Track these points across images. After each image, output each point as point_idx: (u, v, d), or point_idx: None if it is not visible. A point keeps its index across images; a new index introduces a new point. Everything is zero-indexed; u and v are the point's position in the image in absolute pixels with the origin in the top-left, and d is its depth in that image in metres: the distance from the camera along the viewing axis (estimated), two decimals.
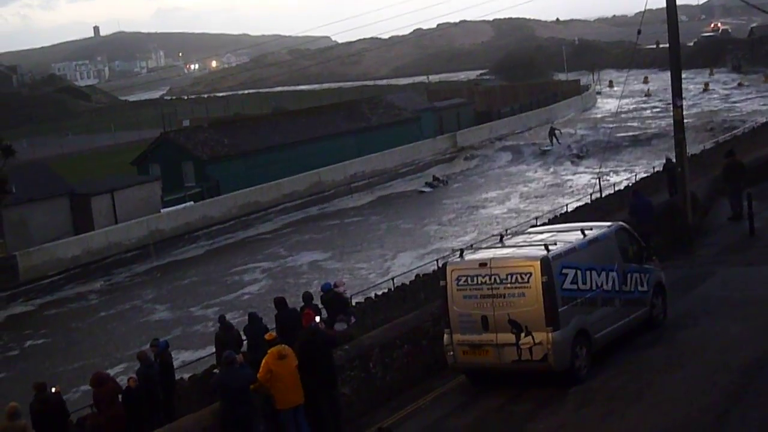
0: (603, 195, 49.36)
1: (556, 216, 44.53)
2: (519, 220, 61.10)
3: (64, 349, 53.27)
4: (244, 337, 27.49)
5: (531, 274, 22.70)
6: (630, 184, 50.89)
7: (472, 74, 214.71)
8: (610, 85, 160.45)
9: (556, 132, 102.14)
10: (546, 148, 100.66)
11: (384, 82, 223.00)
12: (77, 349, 52.50)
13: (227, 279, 63.93)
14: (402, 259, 62.09)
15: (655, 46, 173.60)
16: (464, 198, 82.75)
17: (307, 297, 27.93)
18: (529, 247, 24.17)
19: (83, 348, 52.50)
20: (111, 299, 63.01)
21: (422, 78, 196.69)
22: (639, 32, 37.09)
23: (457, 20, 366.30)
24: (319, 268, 63.20)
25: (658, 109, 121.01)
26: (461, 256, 24.47)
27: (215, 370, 26.53)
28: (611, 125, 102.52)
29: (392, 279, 37.21)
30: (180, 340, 47.17)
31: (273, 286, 59.37)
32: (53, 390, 23.75)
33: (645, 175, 56.95)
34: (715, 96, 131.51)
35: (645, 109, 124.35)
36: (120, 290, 65.26)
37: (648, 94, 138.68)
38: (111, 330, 55.81)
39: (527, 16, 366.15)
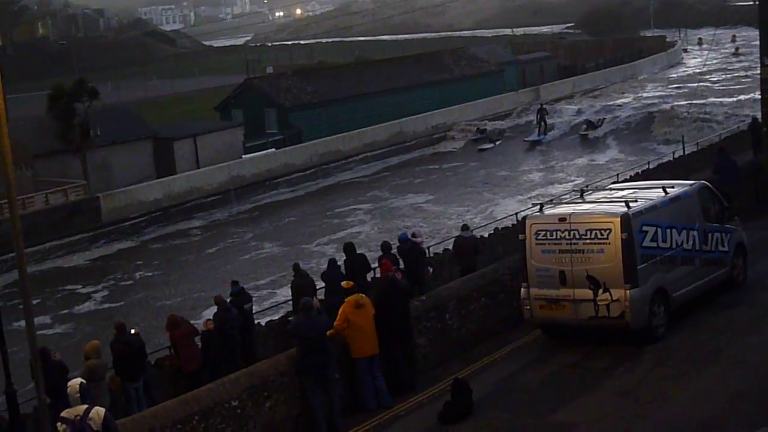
0: (686, 153, 48.78)
1: (637, 173, 44.12)
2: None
3: (174, 282, 54.69)
4: (322, 283, 27.65)
5: (611, 230, 22.55)
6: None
7: (557, 28, 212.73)
8: (699, 42, 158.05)
9: (545, 114, 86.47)
10: (533, 138, 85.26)
11: (468, 33, 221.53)
12: (189, 282, 53.96)
13: (329, 220, 64.84)
14: (506, 204, 61.92)
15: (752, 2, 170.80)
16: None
17: (386, 247, 27.98)
18: (610, 204, 23.99)
19: (195, 280, 53.84)
20: (213, 236, 64.28)
21: (506, 31, 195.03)
22: None
23: None
24: (422, 210, 64.09)
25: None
26: (541, 210, 24.38)
27: (290, 318, 26.76)
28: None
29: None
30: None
31: (381, 226, 60.35)
32: (132, 331, 24.13)
33: (729, 134, 56.15)
34: None
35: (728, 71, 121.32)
36: (220, 227, 66.60)
37: (737, 54, 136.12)
38: (218, 265, 56.91)
39: None
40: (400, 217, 63.05)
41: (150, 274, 57.48)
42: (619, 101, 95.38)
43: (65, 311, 51.38)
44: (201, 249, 61.27)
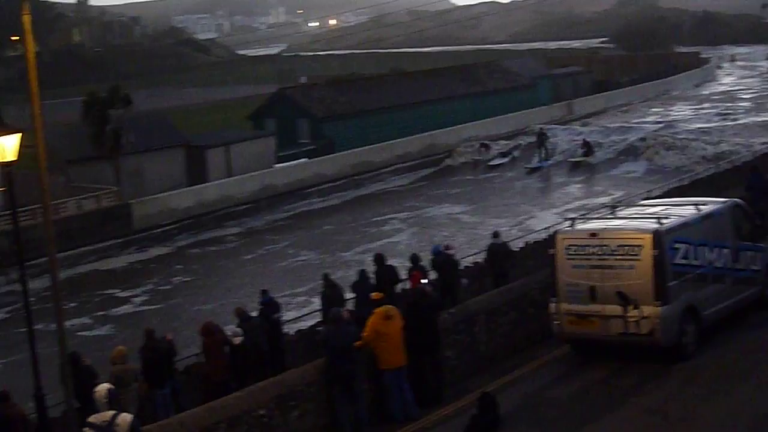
0: (720, 170, 48.59)
1: (669, 190, 43.99)
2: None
3: (212, 287, 54.85)
4: (351, 294, 27.66)
5: (642, 246, 22.47)
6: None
7: (591, 43, 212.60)
8: (733, 59, 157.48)
9: (546, 138, 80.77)
10: (533, 165, 79.28)
11: (502, 47, 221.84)
12: (226, 288, 53.90)
13: (366, 229, 64.95)
14: (543, 216, 61.47)
15: None
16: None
17: (415, 259, 28.00)
18: (641, 220, 23.93)
19: (232, 286, 53.81)
20: (249, 243, 64.46)
21: (540, 44, 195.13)
22: (764, 6, 36.36)
23: None
24: (458, 221, 64.19)
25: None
26: (572, 225, 24.34)
27: (319, 328, 26.79)
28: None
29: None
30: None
31: (418, 235, 60.57)
32: (168, 337, 24.24)
33: (766, 151, 55.88)
34: None
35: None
36: (256, 235, 66.82)
37: None
38: (255, 272, 57.02)
39: None
40: (437, 227, 63.05)
41: (188, 279, 57.76)
42: (634, 121, 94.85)
43: (104, 314, 51.70)
44: (238, 255, 61.47)
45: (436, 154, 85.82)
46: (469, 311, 24.86)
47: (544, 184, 73.77)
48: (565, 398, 21.78)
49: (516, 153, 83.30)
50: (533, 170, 78.08)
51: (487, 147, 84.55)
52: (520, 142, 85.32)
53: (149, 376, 23.07)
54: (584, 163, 76.60)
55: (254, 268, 57.82)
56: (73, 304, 52.47)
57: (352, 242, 60.82)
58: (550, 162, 78.85)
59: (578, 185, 72.20)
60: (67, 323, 46.30)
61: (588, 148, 77.62)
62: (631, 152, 76.73)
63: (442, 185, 77.17)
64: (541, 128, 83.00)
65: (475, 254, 37.14)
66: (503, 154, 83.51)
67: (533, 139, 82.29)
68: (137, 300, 54.25)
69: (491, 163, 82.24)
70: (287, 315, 38.19)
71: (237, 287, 52.94)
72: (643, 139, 77.51)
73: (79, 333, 47.50)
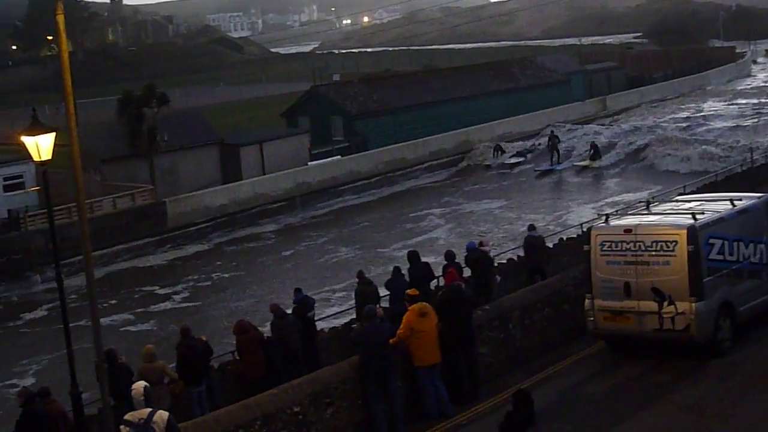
0: (755, 165, 48.31)
1: (705, 185, 43.77)
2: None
3: (251, 284, 55.11)
4: (386, 292, 27.65)
5: (677, 242, 22.38)
6: None
7: (625, 38, 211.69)
8: None
9: (558, 141, 79.58)
10: (544, 168, 77.88)
11: (535, 43, 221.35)
12: (265, 284, 54.27)
13: (404, 225, 65.02)
14: (580, 212, 61.27)
15: None
16: None
17: (450, 256, 27.96)
18: (676, 215, 23.83)
19: (271, 283, 54.19)
20: (287, 240, 64.62)
21: (573, 40, 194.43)
22: None
23: None
24: (496, 216, 64.20)
25: None
26: (606, 221, 24.27)
27: (353, 325, 26.80)
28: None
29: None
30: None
31: (457, 230, 60.59)
32: (203, 338, 24.32)
33: None
34: None
35: None
36: (293, 231, 67.04)
37: None
38: (294, 268, 57.31)
39: None
40: (475, 222, 63.09)
41: (227, 275, 57.95)
42: (666, 117, 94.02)
43: (145, 310, 52.08)
44: (276, 252, 61.66)
45: (469, 151, 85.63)
46: (504, 308, 24.84)
47: (579, 180, 73.30)
48: (599, 395, 21.73)
49: (531, 154, 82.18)
50: (544, 173, 76.89)
51: (500, 150, 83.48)
52: (539, 142, 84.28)
53: (184, 373, 23.14)
54: (591, 167, 75.24)
55: (293, 265, 58.02)
56: (113, 301, 53.29)
57: (390, 238, 60.88)
58: (562, 165, 77.33)
59: (616, 179, 71.88)
60: (110, 319, 47.99)
61: (595, 151, 76.27)
62: (636, 156, 75.72)
63: (478, 181, 77.02)
64: (552, 131, 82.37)
65: (512, 249, 37.22)
66: (520, 154, 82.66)
67: (547, 140, 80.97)
68: (177, 297, 54.59)
69: (507, 161, 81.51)
70: (327, 311, 38.44)
71: (277, 283, 53.20)
72: (646, 146, 76.56)
73: (122, 329, 48.25)
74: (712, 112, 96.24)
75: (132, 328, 48.57)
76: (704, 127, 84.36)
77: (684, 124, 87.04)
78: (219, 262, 60.59)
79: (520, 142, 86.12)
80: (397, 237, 60.94)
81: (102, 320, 45.80)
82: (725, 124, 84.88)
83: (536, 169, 77.71)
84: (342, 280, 50.43)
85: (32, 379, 39.90)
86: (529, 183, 74.75)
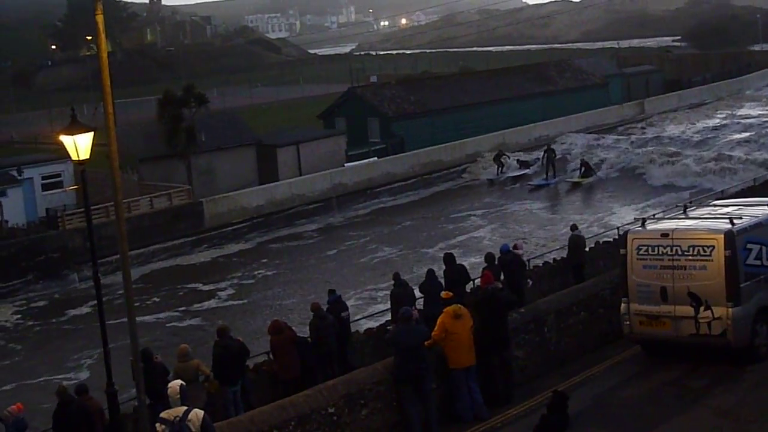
0: None
1: (742, 189, 43.55)
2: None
3: (294, 283, 55.23)
4: (419, 294, 27.67)
5: (714, 247, 22.28)
6: None
7: (664, 41, 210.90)
8: None
9: (553, 155, 75.52)
10: (537, 183, 74.74)
11: (573, 46, 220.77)
12: (308, 283, 54.20)
13: (445, 225, 64.83)
14: (623, 213, 60.64)
15: None
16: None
17: (490, 258, 28.03)
18: (713, 220, 23.72)
19: (314, 282, 54.06)
20: (329, 239, 64.59)
21: (612, 43, 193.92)
22: None
23: None
24: (537, 217, 64.24)
25: None
26: (643, 225, 24.19)
27: (388, 327, 26.83)
28: None
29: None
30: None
31: (499, 231, 60.56)
32: (239, 339, 24.40)
33: None
34: None
35: None
36: (335, 230, 67.10)
37: None
38: (337, 268, 57.31)
39: None
40: (518, 222, 62.96)
41: (270, 273, 58.14)
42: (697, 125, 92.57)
43: (188, 307, 52.37)
44: (320, 251, 61.64)
45: (504, 154, 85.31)
46: (539, 311, 24.81)
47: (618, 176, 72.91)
48: (635, 399, 21.67)
49: (535, 166, 77.86)
50: (537, 187, 73.42)
51: (501, 164, 78.73)
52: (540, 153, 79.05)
53: (220, 373, 23.22)
54: (583, 184, 71.97)
55: (337, 264, 58.16)
56: (156, 299, 53.67)
57: (433, 238, 60.76)
58: (555, 180, 73.92)
59: (607, 194, 70.46)
60: (154, 316, 49.19)
61: (587, 168, 73.12)
62: (632, 171, 72.85)
63: (517, 181, 76.63)
64: (548, 145, 78.24)
65: (559, 249, 37.22)
66: (523, 163, 78.89)
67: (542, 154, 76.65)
68: (223, 294, 54.75)
69: (510, 174, 77.78)
70: (370, 310, 38.59)
71: (320, 282, 53.31)
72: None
73: (168, 324, 48.92)
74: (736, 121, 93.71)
75: (179, 324, 49.21)
76: (724, 139, 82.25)
77: (699, 137, 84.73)
78: (264, 260, 60.80)
79: (521, 153, 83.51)
80: (440, 237, 60.81)
81: (148, 317, 47.50)
82: (738, 135, 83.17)
83: (529, 183, 74.52)
84: (388, 279, 50.06)
85: (87, 372, 40.20)
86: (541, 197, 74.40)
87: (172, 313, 50.91)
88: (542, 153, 76.35)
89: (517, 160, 79.57)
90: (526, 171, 77.64)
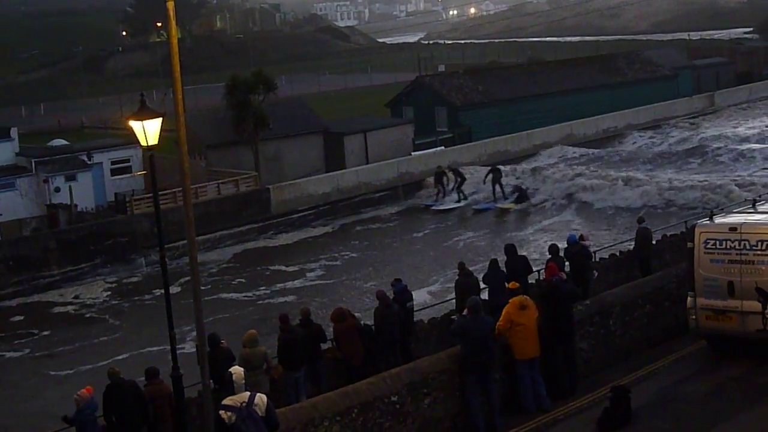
0: None
1: None
2: None
3: (378, 264, 56.29)
4: (483, 285, 27.63)
5: None
6: None
7: (735, 33, 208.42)
8: None
9: (499, 175, 68.64)
10: (481, 207, 67.68)
11: (643, 37, 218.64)
12: (392, 266, 54.75)
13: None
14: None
15: None
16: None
17: (554, 249, 27.95)
18: None
19: (398, 266, 54.65)
20: (409, 222, 65.33)
21: (682, 35, 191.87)
22: None
23: None
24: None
25: None
26: (711, 218, 23.97)
27: (453, 317, 26.83)
28: None
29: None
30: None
31: (585, 216, 61.01)
32: (318, 324, 24.61)
33: None
34: None
35: None
36: (415, 214, 67.94)
37: None
38: (420, 251, 58.02)
39: None
40: (601, 210, 62.99)
41: (355, 255, 59.17)
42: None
43: (276, 286, 53.75)
44: (402, 234, 62.63)
45: (574, 145, 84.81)
46: (605, 303, 24.70)
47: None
48: (699, 394, 21.50)
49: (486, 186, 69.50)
50: (479, 212, 67.12)
51: (443, 185, 69.99)
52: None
53: (284, 358, 23.37)
54: (512, 210, 65.94)
55: (420, 247, 58.70)
56: (242, 280, 55.47)
57: (520, 223, 60.96)
58: (500, 204, 67.26)
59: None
60: (243, 294, 51.79)
61: (520, 193, 66.85)
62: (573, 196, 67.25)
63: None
64: (494, 165, 70.75)
65: (619, 243, 37.06)
66: (519, 191, 68.13)
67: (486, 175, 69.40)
68: (311, 275, 55.78)
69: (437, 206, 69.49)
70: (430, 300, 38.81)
71: (404, 266, 53.73)
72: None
73: (259, 302, 50.60)
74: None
75: (271, 301, 50.55)
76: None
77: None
78: (355, 242, 62.02)
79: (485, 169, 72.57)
80: (528, 221, 61.09)
81: (236, 294, 50.25)
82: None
83: (473, 207, 67.80)
84: (476, 262, 49.48)
85: (190, 345, 41.08)
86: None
87: (262, 291, 52.68)
88: (487, 173, 68.99)
89: (518, 188, 68.45)
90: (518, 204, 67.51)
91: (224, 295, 52.50)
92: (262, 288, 53.70)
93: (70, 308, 53.78)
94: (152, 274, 56.48)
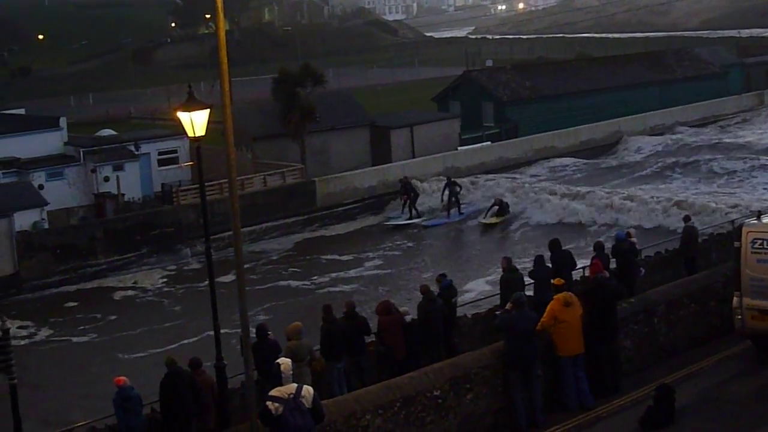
0: None
1: None
2: None
3: (438, 256, 57.21)
4: (529, 280, 27.60)
5: None
6: None
7: None
8: None
9: (457, 187, 64.94)
10: (431, 223, 63.95)
11: (692, 34, 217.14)
12: (449, 259, 55.59)
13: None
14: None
15: None
16: None
17: (599, 246, 27.89)
18: None
19: (457, 258, 55.69)
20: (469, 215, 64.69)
21: (732, 32, 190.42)
22: None
23: None
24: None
25: None
26: (758, 218, 23.81)
27: (497, 312, 26.80)
28: None
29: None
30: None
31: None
32: (363, 317, 24.71)
33: None
34: None
35: None
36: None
37: None
38: (484, 241, 58.51)
39: None
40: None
41: (412, 243, 60.09)
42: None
43: (329, 275, 54.44)
44: (459, 225, 62.71)
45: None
46: (650, 301, 24.58)
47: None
48: (744, 395, 21.38)
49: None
50: (430, 227, 63.80)
51: (409, 198, 65.62)
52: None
53: (325, 349, 23.44)
54: (498, 225, 61.79)
55: (484, 239, 58.75)
56: (293, 270, 56.28)
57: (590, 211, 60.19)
58: (458, 217, 64.09)
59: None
60: (301, 282, 53.12)
61: (502, 207, 62.18)
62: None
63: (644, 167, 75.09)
64: (449, 177, 65.99)
65: (665, 241, 36.83)
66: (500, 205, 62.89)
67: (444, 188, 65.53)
68: (369, 264, 56.40)
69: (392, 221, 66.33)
70: (470, 296, 38.78)
71: (463, 260, 54.43)
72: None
73: (323, 290, 51.10)
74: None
75: (332, 290, 51.03)
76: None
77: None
78: (418, 230, 62.58)
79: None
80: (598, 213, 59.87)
81: (295, 283, 51.85)
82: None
83: (423, 223, 64.23)
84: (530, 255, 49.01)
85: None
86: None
87: (321, 280, 53.54)
88: (443, 186, 65.27)
89: (500, 200, 63.38)
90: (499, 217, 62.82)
91: (282, 283, 53.64)
92: (315, 276, 54.42)
93: (131, 293, 55.09)
94: (216, 262, 57.07)
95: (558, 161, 78.63)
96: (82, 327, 49.02)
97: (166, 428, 20.29)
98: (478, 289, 46.01)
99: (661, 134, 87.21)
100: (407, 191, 64.90)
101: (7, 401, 19.08)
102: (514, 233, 60.36)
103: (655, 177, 70.85)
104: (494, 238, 60.16)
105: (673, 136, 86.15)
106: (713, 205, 55.24)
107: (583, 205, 60.40)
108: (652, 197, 59.46)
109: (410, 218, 64.88)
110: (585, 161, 78.63)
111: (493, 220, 61.95)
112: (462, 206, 64.55)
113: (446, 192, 64.46)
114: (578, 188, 64.79)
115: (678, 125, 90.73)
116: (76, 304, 53.21)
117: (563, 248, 29.10)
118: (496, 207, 62.12)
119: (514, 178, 71.82)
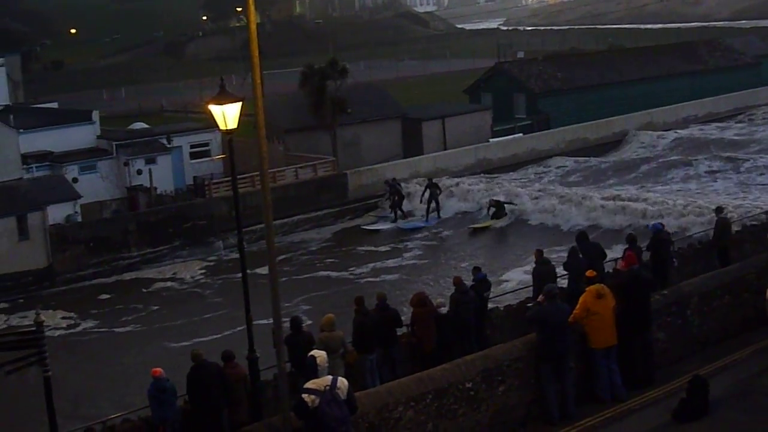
0: None
1: None
2: None
3: (476, 248, 57.20)
4: (562, 272, 27.55)
5: None
6: None
7: None
8: None
9: (437, 190, 63.51)
10: (409, 226, 62.64)
11: (725, 24, 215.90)
12: (498, 249, 56.18)
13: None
14: None
15: None
16: None
17: (632, 238, 27.80)
18: None
19: (494, 251, 56.03)
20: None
21: (765, 23, 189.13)
22: None
23: None
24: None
25: None
26: None
27: (529, 304, 26.76)
28: None
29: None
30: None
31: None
32: (394, 309, 24.71)
33: None
34: None
35: None
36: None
37: None
38: (529, 233, 58.07)
39: None
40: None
41: (449, 232, 60.61)
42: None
43: (367, 266, 54.77)
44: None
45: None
46: (682, 293, 24.49)
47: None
48: None
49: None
50: (411, 231, 62.08)
51: (397, 198, 64.38)
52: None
53: (357, 341, 23.48)
54: (491, 228, 60.14)
55: (529, 230, 58.62)
56: (331, 260, 56.93)
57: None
58: (436, 221, 62.83)
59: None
60: (339, 273, 53.50)
61: (498, 208, 60.47)
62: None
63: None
64: (430, 178, 64.53)
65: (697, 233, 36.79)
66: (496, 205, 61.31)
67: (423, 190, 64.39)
68: (408, 254, 56.68)
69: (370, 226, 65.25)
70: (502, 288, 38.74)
71: (502, 253, 54.64)
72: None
73: (364, 280, 51.59)
74: None
75: (373, 279, 51.34)
76: None
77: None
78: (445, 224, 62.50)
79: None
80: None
81: (335, 273, 52.50)
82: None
83: (400, 226, 62.95)
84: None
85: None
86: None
87: (360, 270, 53.95)
88: (423, 188, 64.18)
89: (495, 201, 61.68)
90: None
91: (321, 274, 54.08)
92: (352, 267, 54.72)
93: (169, 284, 55.58)
94: (253, 253, 57.41)
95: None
96: (124, 318, 49.54)
97: (197, 420, 20.36)
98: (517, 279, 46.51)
99: (687, 127, 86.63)
100: (393, 192, 64.05)
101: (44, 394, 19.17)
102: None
103: (676, 172, 70.45)
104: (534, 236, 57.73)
105: (703, 127, 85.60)
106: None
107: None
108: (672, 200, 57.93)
109: (395, 220, 63.91)
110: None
111: (487, 223, 60.51)
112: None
113: (425, 194, 63.53)
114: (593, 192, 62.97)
115: (710, 116, 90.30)
116: (110, 296, 53.67)
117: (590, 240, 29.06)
118: (492, 209, 60.70)
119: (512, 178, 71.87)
